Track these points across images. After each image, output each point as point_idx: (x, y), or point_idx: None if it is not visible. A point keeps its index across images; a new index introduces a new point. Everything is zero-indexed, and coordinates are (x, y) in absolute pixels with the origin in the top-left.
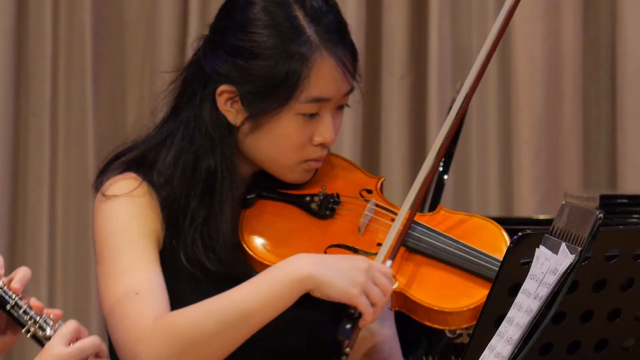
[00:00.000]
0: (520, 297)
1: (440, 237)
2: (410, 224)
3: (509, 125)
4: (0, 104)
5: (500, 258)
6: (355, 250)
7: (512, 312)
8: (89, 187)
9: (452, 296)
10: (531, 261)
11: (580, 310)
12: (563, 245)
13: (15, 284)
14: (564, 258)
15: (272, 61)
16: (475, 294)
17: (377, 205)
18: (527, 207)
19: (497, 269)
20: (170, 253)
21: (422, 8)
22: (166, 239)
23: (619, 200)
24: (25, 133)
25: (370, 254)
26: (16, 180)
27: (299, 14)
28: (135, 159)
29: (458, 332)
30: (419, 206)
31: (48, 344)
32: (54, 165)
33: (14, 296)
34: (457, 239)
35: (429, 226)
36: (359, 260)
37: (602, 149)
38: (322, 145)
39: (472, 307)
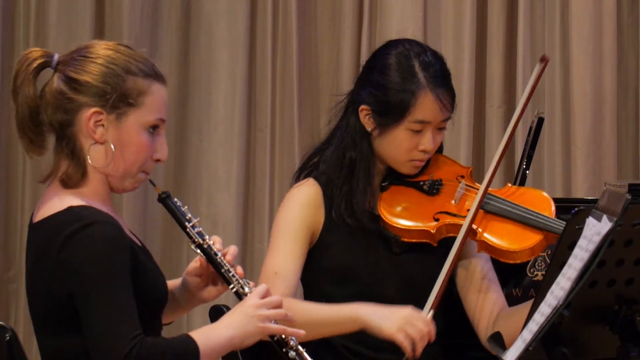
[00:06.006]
0: (576, 250)
1: (506, 203)
2: (482, 202)
3: (569, 138)
4: (238, 125)
5: (546, 215)
6: (452, 215)
7: (571, 260)
8: None
9: (516, 241)
10: (583, 227)
11: (615, 259)
12: (604, 216)
13: (229, 257)
14: (605, 225)
15: (393, 92)
16: (530, 238)
17: (466, 185)
18: (581, 191)
19: (544, 222)
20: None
21: (513, 60)
22: (325, 219)
23: None
24: (254, 143)
25: (461, 217)
26: (248, 173)
27: (415, 64)
28: (312, 163)
29: (535, 272)
30: (488, 189)
31: (247, 297)
32: (273, 165)
33: (227, 264)
34: (518, 203)
35: (500, 196)
36: (402, 310)
37: (630, 154)
38: (424, 151)
39: (529, 247)
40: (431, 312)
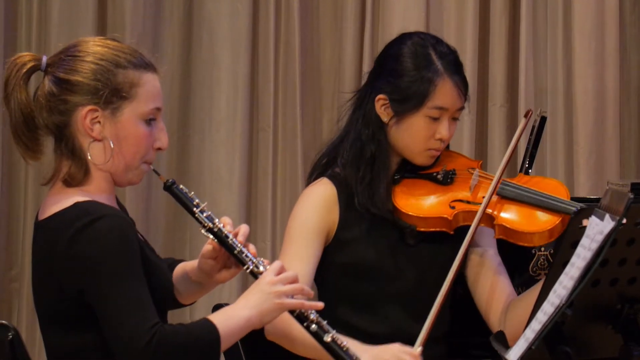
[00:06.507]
0: (579, 249)
1: (522, 188)
2: (497, 187)
3: (571, 137)
4: (240, 124)
5: (561, 199)
6: (467, 202)
7: (573, 259)
8: (298, 179)
9: (534, 223)
10: (586, 226)
11: (618, 258)
12: (607, 215)
13: (240, 237)
14: (608, 224)
15: (412, 79)
16: (548, 221)
17: (479, 175)
18: (583, 190)
19: (559, 204)
20: (345, 219)
21: (515, 60)
22: (340, 218)
23: None
24: (256, 142)
25: (477, 204)
26: (250, 173)
27: (432, 53)
28: (326, 161)
29: (538, 271)
30: (501, 177)
31: (263, 275)
32: (275, 164)
33: (239, 245)
34: (532, 189)
35: (515, 183)
36: (390, 348)
37: (632, 152)
38: (440, 140)
39: (547, 229)
40: (420, 349)
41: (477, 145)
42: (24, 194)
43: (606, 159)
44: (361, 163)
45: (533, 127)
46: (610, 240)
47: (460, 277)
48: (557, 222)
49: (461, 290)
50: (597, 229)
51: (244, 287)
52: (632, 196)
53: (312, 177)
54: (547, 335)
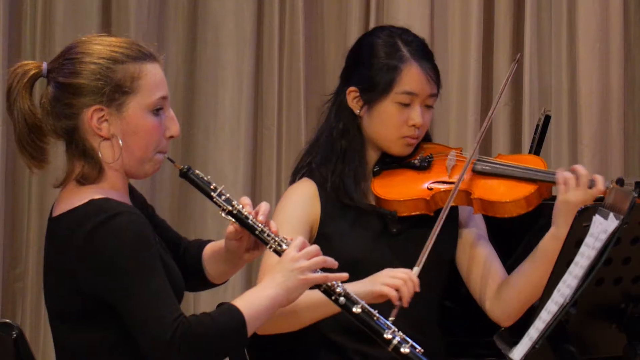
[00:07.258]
0: (582, 248)
1: (497, 162)
2: (470, 165)
3: (576, 136)
4: (245, 123)
5: (536, 168)
6: (445, 183)
7: (577, 258)
8: None
9: (509, 193)
10: (590, 224)
11: (622, 257)
12: (611, 214)
13: (260, 216)
14: (612, 223)
15: (378, 66)
16: (523, 189)
17: (456, 156)
18: None
19: (535, 173)
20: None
21: (520, 58)
22: (322, 212)
23: None
24: (261, 141)
25: (453, 183)
26: (254, 172)
27: (399, 41)
28: (305, 162)
29: None
30: (472, 156)
31: (285, 252)
32: (279, 163)
33: (260, 225)
34: (507, 162)
35: (490, 159)
36: (379, 272)
37: (636, 151)
38: (414, 126)
39: (523, 197)
40: (416, 269)
41: (482, 144)
42: (28, 193)
43: (610, 158)
44: (333, 156)
45: (537, 126)
46: (614, 239)
47: (455, 269)
48: (533, 190)
49: (463, 289)
50: (601, 227)
51: (248, 285)
52: (636, 195)
53: (294, 178)
54: (551, 334)
